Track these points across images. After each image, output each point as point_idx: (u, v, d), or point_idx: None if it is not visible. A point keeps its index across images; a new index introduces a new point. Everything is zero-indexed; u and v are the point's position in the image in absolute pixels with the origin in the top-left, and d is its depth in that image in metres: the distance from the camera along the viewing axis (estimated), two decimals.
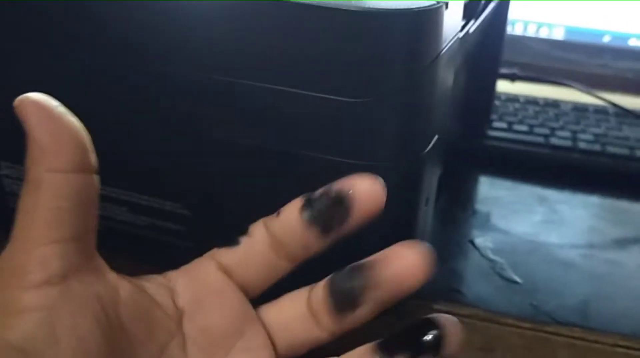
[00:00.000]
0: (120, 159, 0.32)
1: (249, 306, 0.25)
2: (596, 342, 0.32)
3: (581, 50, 0.65)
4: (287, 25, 0.27)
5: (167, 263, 0.32)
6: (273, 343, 0.25)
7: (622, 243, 0.42)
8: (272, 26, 0.27)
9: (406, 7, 0.26)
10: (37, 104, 0.20)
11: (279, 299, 0.26)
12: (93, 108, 0.30)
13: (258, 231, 0.26)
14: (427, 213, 0.34)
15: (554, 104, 0.60)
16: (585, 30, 0.66)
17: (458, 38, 0.32)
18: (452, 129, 0.43)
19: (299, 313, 0.25)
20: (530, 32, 0.67)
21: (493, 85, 0.52)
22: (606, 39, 0.67)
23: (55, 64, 0.31)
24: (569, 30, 0.66)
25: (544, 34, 0.67)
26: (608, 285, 0.36)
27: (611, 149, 0.51)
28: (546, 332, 0.33)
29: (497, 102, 0.59)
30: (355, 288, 0.24)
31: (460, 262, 0.38)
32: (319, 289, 0.25)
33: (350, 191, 0.24)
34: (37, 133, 0.20)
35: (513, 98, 0.60)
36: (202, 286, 0.25)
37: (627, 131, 0.55)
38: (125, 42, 0.29)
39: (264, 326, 0.25)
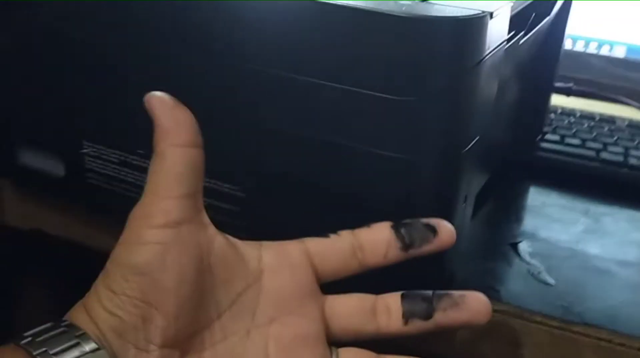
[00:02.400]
0: None
1: (317, 286, 0.31)
2: (622, 345, 0.33)
3: None
4: (345, 27, 0.29)
5: None
6: (328, 323, 0.31)
7: None
8: (333, 28, 0.30)
9: (452, 14, 0.28)
10: (160, 99, 0.28)
11: (349, 294, 0.32)
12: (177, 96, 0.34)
13: (346, 234, 0.32)
14: (465, 211, 0.36)
15: (610, 120, 0.60)
16: None
17: (504, 47, 0.34)
18: (500, 136, 0.45)
19: (363, 307, 0.31)
20: (592, 49, 0.67)
21: (547, 98, 0.54)
22: None
23: (135, 57, 0.35)
24: (631, 49, 0.66)
25: (605, 51, 0.67)
26: (638, 294, 0.37)
27: None
28: (573, 331, 0.34)
29: (552, 116, 0.60)
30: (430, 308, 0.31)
31: (499, 263, 0.40)
32: (394, 296, 0.31)
33: (436, 223, 0.31)
34: (162, 119, 0.28)
35: (569, 112, 0.61)
36: (284, 257, 0.31)
37: None
38: (200, 38, 0.33)
39: (326, 307, 0.31)
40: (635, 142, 0.56)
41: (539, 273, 0.39)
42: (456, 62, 0.29)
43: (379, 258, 0.31)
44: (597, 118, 0.60)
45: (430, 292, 0.31)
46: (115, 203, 0.40)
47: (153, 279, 0.27)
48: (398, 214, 0.32)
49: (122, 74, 0.36)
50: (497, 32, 0.32)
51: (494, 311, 0.35)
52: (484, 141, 0.35)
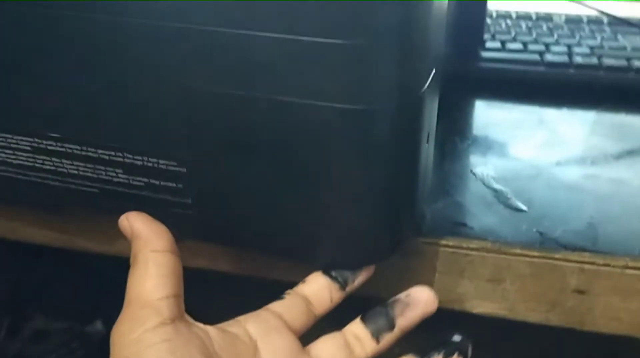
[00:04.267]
0: (111, 118, 0.31)
1: (300, 345, 0.32)
2: (606, 265, 0.32)
3: None
4: None
5: (168, 221, 0.32)
6: None
7: (624, 160, 0.41)
8: None
9: None
10: (137, 214, 0.31)
11: (320, 339, 0.33)
12: (80, 67, 0.29)
13: (293, 292, 0.33)
14: (429, 150, 0.33)
15: (547, 17, 0.58)
16: None
17: None
18: (446, 54, 0.42)
19: (339, 347, 0.32)
20: None
21: (484, 3, 0.51)
22: None
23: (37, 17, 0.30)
24: None
25: None
26: (614, 206, 0.36)
27: (608, 61, 0.50)
28: (555, 258, 0.33)
29: (488, 20, 0.57)
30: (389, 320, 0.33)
31: (464, 194, 0.38)
32: (355, 324, 0.33)
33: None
34: (142, 230, 0.31)
35: (505, 15, 0.58)
36: (265, 324, 0.32)
37: (623, 40, 0.54)
38: None
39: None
40: (577, 38, 0.54)
41: (508, 199, 0.37)
42: None
43: (327, 303, 0.33)
44: (534, 17, 0.58)
45: (383, 305, 0.33)
46: (33, 193, 0.35)
47: None
48: (359, 170, 0.29)
49: (22, 45, 0.31)
50: None
51: (471, 249, 0.34)
52: (439, 72, 0.32)
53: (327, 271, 0.33)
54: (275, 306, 0.33)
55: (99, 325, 0.61)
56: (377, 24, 0.26)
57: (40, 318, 0.53)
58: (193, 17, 0.27)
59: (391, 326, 0.32)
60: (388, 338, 0.32)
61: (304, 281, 0.33)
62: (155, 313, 0.28)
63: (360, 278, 0.33)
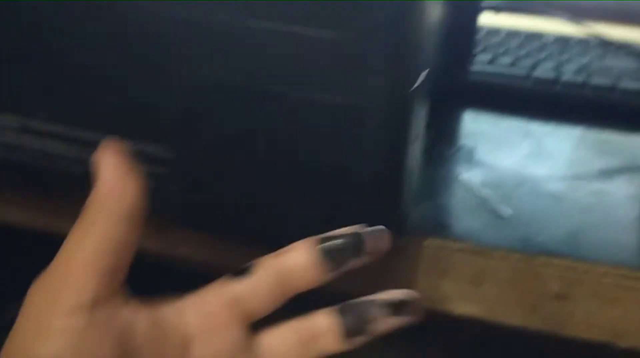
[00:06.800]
0: (100, 101, 0.31)
1: (248, 338, 0.27)
2: (586, 272, 0.32)
3: None
4: None
5: (154, 207, 0.32)
6: None
7: (607, 174, 0.42)
8: None
9: None
10: (115, 157, 0.25)
11: (282, 327, 0.28)
12: (72, 47, 0.29)
13: (267, 265, 0.27)
14: (416, 151, 0.33)
15: (537, 35, 0.59)
16: None
17: None
18: (437, 64, 0.42)
19: (298, 338, 0.27)
20: None
21: (476, 17, 0.51)
22: None
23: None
24: None
25: None
26: (595, 216, 0.37)
27: (595, 80, 0.51)
28: (536, 264, 0.33)
29: (479, 35, 0.58)
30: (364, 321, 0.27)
31: (449, 198, 0.38)
32: (328, 316, 0.27)
33: (363, 233, 0.27)
34: (108, 182, 0.24)
35: (495, 31, 0.59)
36: (210, 318, 0.27)
37: (610, 61, 0.54)
38: None
39: (260, 352, 0.27)
40: (565, 57, 0.55)
41: (493, 205, 0.37)
42: None
43: (307, 284, 0.27)
44: (524, 34, 0.59)
45: (362, 301, 0.28)
46: (18, 172, 0.35)
47: None
48: (346, 165, 0.29)
49: (11, 20, 0.31)
50: None
51: (454, 250, 0.34)
52: (430, 73, 0.32)
53: (321, 245, 0.27)
54: (237, 286, 0.27)
55: None
56: (371, 18, 0.26)
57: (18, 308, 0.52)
58: (184, 5, 0.27)
59: (364, 328, 0.27)
60: (359, 341, 0.28)
61: (288, 250, 0.27)
62: (77, 291, 0.23)
63: (355, 262, 0.27)
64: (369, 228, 0.28)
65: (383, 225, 0.32)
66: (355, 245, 0.27)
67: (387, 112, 0.29)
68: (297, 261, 0.27)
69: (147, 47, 0.29)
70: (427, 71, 0.30)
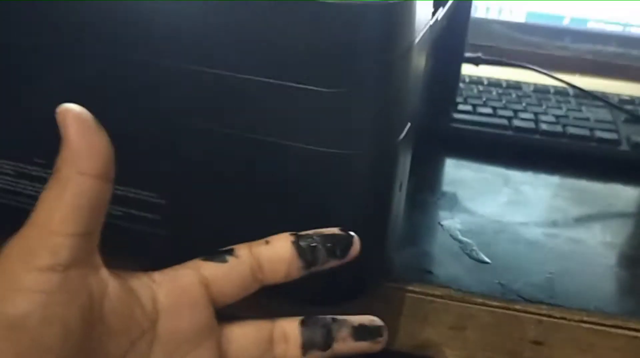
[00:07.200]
0: None
1: (214, 322, 0.28)
2: (563, 318, 0.34)
3: (541, 32, 0.66)
4: (263, 17, 0.27)
5: (143, 252, 0.33)
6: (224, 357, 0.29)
7: (583, 221, 0.43)
8: (249, 19, 0.27)
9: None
10: (78, 115, 0.24)
11: (245, 321, 0.29)
12: (68, 97, 0.30)
13: (244, 253, 0.28)
14: (400, 198, 0.34)
15: (516, 86, 0.61)
16: (545, 14, 0.67)
17: (429, 26, 0.33)
18: (420, 113, 0.44)
19: (260, 338, 0.29)
20: (492, 15, 0.68)
21: (458, 68, 0.53)
22: (566, 22, 0.69)
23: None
24: (530, 14, 0.67)
25: (505, 16, 0.68)
26: (572, 263, 0.38)
27: (572, 130, 0.53)
28: (515, 309, 0.34)
29: (461, 85, 0.60)
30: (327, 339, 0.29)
31: (431, 244, 0.39)
32: (293, 323, 0.29)
33: (338, 235, 0.29)
34: (75, 140, 0.24)
35: (477, 81, 0.61)
36: (180, 295, 0.27)
37: (586, 112, 0.57)
38: (103, 31, 0.29)
39: (222, 340, 0.29)
40: (543, 107, 0.57)
41: (473, 251, 0.38)
42: (387, 48, 0.27)
43: (280, 278, 0.28)
44: (504, 85, 0.61)
45: (330, 319, 0.29)
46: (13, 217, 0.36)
47: (31, 336, 0.22)
48: (333, 212, 0.30)
49: (13, 71, 0.32)
50: (424, 12, 0.30)
51: (436, 296, 0.35)
52: (414, 126, 0.33)
53: (298, 241, 0.28)
54: (208, 269, 0.28)
55: None
56: (360, 75, 0.27)
57: None
58: (180, 55, 0.29)
59: (327, 346, 0.29)
60: (316, 356, 0.29)
61: (266, 242, 0.28)
62: (49, 253, 0.23)
63: (331, 263, 0.28)
64: (344, 232, 0.29)
65: (367, 270, 0.33)
66: (332, 245, 0.28)
67: (374, 162, 0.30)
68: (274, 254, 0.28)
69: (139, 96, 0.30)
70: (409, 124, 0.32)
